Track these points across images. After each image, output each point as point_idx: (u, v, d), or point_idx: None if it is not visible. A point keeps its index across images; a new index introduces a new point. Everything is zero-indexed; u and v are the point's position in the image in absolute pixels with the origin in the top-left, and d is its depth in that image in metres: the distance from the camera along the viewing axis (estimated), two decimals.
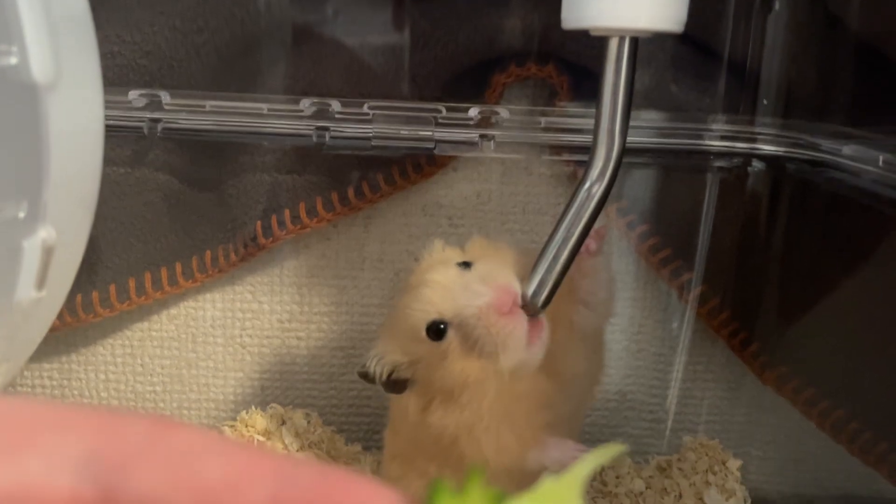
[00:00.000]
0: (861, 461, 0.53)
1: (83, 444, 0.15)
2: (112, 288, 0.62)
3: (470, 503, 0.16)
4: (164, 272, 0.62)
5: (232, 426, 0.64)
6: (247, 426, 0.64)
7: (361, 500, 0.15)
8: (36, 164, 0.35)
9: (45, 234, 0.36)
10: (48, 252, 0.36)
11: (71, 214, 0.38)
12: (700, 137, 0.59)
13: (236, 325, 0.66)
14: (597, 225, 0.45)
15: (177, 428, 0.16)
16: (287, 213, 0.60)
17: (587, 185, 0.43)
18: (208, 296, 0.65)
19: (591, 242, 0.46)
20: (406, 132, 0.57)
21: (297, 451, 0.62)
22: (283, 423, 0.64)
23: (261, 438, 0.62)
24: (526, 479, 0.47)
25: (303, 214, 0.60)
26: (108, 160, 0.58)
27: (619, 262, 0.63)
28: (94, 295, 0.61)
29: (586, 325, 0.50)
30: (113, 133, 0.56)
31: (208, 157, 0.61)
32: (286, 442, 0.62)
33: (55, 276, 0.38)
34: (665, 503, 0.59)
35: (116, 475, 0.15)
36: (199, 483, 0.15)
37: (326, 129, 0.57)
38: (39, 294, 0.36)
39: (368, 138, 0.57)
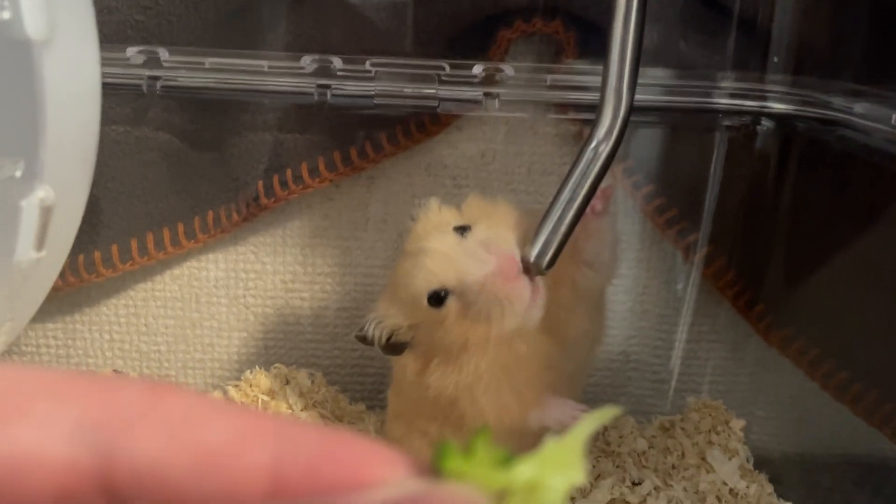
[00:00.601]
0: (865, 422, 0.53)
1: (78, 411, 0.15)
2: (114, 248, 0.61)
3: (477, 465, 0.15)
4: (165, 232, 0.61)
5: (236, 386, 0.65)
6: (251, 386, 0.64)
7: (364, 461, 0.15)
8: (32, 122, 0.35)
9: (43, 193, 0.36)
10: (47, 212, 0.35)
11: (69, 173, 0.38)
12: (709, 95, 0.58)
13: (239, 285, 0.66)
14: (603, 185, 0.44)
15: (174, 392, 0.16)
16: (289, 172, 0.60)
17: (593, 143, 0.42)
18: (211, 256, 0.65)
19: (596, 203, 0.45)
20: (409, 90, 0.56)
21: (302, 410, 0.62)
22: (287, 382, 0.64)
23: (265, 398, 0.63)
24: (527, 438, 0.48)
25: (305, 174, 0.60)
26: (107, 119, 0.57)
27: (625, 223, 0.63)
28: (96, 255, 0.61)
29: (589, 287, 0.49)
30: (111, 91, 0.56)
31: (209, 116, 0.60)
32: (290, 402, 0.63)
33: (55, 236, 0.38)
34: (668, 462, 0.60)
35: (113, 442, 0.15)
36: (199, 447, 0.15)
37: (328, 86, 0.56)
38: (39, 254, 0.36)
39: (371, 96, 0.56)
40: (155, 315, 0.66)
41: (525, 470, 0.15)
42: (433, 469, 0.15)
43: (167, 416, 0.15)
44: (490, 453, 0.16)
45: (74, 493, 0.15)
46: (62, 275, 0.60)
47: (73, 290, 0.63)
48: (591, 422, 0.16)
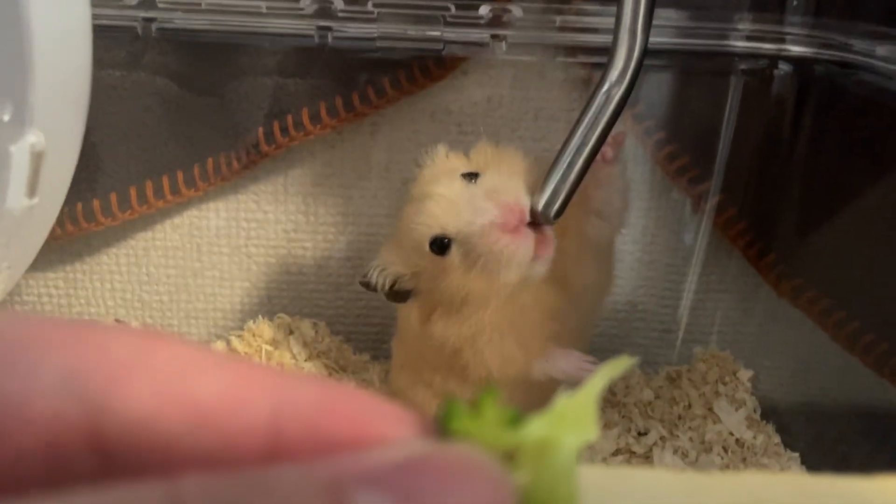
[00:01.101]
0: (875, 372, 0.52)
1: (65, 361, 0.14)
2: (113, 196, 0.60)
3: (484, 425, 0.15)
4: (165, 180, 0.60)
5: (239, 336, 0.64)
6: (254, 336, 0.63)
7: (367, 417, 0.14)
8: (19, 64, 0.33)
9: (33, 138, 0.34)
10: (38, 157, 0.34)
11: (61, 117, 0.37)
12: (724, 38, 0.55)
13: (241, 234, 0.65)
14: (614, 131, 0.43)
15: (167, 343, 0.15)
16: (290, 118, 0.58)
17: (606, 87, 0.40)
18: (212, 205, 0.64)
19: (607, 150, 0.44)
20: (413, 32, 0.54)
21: (305, 360, 0.62)
22: (291, 332, 0.64)
23: (268, 348, 0.62)
24: (532, 389, 0.47)
25: (306, 120, 0.58)
26: (102, 62, 0.56)
27: (634, 171, 0.61)
28: (95, 203, 0.60)
29: (598, 236, 0.48)
30: (105, 33, 0.54)
31: (207, 60, 0.58)
32: (294, 352, 0.62)
33: (48, 183, 0.36)
34: (674, 413, 0.59)
35: (101, 394, 0.14)
36: (192, 402, 0.14)
37: (329, 28, 0.54)
38: (32, 201, 0.35)
39: (373, 39, 0.54)
40: (156, 264, 0.66)
41: (536, 429, 0.15)
42: (439, 429, 0.15)
43: (159, 367, 0.14)
44: (499, 412, 0.15)
45: (62, 448, 0.14)
46: (61, 223, 0.59)
47: (73, 238, 0.63)
48: (604, 375, 0.15)
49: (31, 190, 0.35)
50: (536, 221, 0.42)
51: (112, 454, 0.14)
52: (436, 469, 0.13)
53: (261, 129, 0.58)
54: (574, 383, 0.56)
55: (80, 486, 0.14)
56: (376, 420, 0.14)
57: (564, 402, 0.15)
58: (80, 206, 0.60)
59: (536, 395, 0.51)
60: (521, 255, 0.42)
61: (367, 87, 0.58)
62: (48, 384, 0.14)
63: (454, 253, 0.43)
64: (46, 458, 0.14)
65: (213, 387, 0.14)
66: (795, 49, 0.55)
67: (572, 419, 0.15)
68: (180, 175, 0.60)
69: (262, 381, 0.15)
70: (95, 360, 0.14)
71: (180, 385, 0.14)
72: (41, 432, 0.14)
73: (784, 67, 0.57)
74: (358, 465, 0.13)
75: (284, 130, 0.58)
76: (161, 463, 0.14)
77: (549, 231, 0.42)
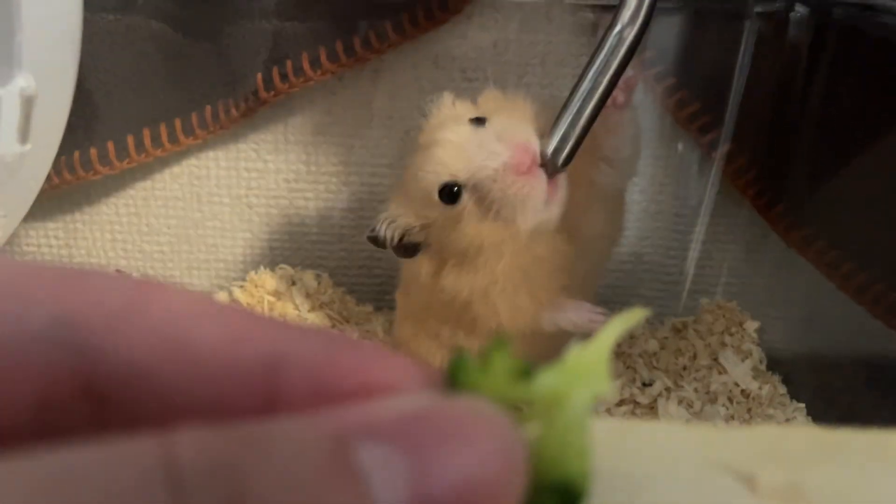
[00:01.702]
0: (884, 323, 0.52)
1: (57, 307, 0.13)
2: (110, 145, 0.59)
3: (494, 378, 0.14)
4: (163, 128, 0.59)
5: (241, 287, 0.64)
6: (256, 287, 0.63)
7: (370, 367, 0.14)
8: (5, 4, 0.32)
9: (23, 82, 0.33)
10: (28, 102, 0.33)
11: (51, 60, 0.35)
12: None
13: (242, 184, 0.63)
14: (626, 75, 0.41)
15: (164, 290, 0.14)
16: (289, 64, 0.56)
17: (618, 28, 0.39)
18: (211, 154, 0.62)
19: (619, 94, 0.43)
20: None
21: (308, 311, 0.61)
22: (293, 283, 0.63)
23: (271, 299, 0.62)
24: (542, 341, 0.47)
25: (306, 66, 0.56)
26: (95, 5, 0.54)
27: (643, 118, 0.59)
28: (93, 152, 0.59)
29: (608, 184, 0.47)
30: None
31: (203, 3, 0.56)
32: (296, 302, 0.62)
33: (40, 129, 0.35)
34: (679, 364, 0.59)
35: (96, 340, 0.13)
36: (189, 350, 0.14)
37: None
38: (24, 147, 0.34)
39: None
40: (156, 215, 0.65)
41: (547, 382, 0.14)
42: (448, 382, 0.14)
43: (155, 315, 0.14)
44: (509, 364, 0.14)
45: (54, 395, 0.13)
46: (58, 172, 0.58)
47: (72, 188, 0.61)
48: (616, 327, 0.15)
49: (23, 136, 0.33)
50: (545, 167, 0.41)
51: (105, 402, 0.13)
52: (443, 422, 0.12)
53: (259, 76, 0.57)
54: (585, 334, 0.55)
55: (72, 438, 0.13)
56: (381, 372, 0.14)
57: (576, 355, 0.14)
58: (77, 154, 0.59)
59: (546, 346, 0.51)
60: (536, 196, 0.41)
61: (368, 31, 0.56)
62: (40, 330, 0.13)
63: (465, 200, 0.42)
64: (38, 406, 0.13)
65: (211, 335, 0.14)
66: None
67: (584, 372, 0.14)
68: (178, 123, 0.59)
69: (262, 330, 0.14)
70: (89, 306, 0.14)
71: (176, 333, 0.14)
72: (33, 379, 0.13)
73: (800, 9, 0.55)
74: (361, 417, 0.12)
75: (284, 76, 0.57)
76: (156, 411, 0.13)
77: (559, 176, 0.41)
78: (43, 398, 0.13)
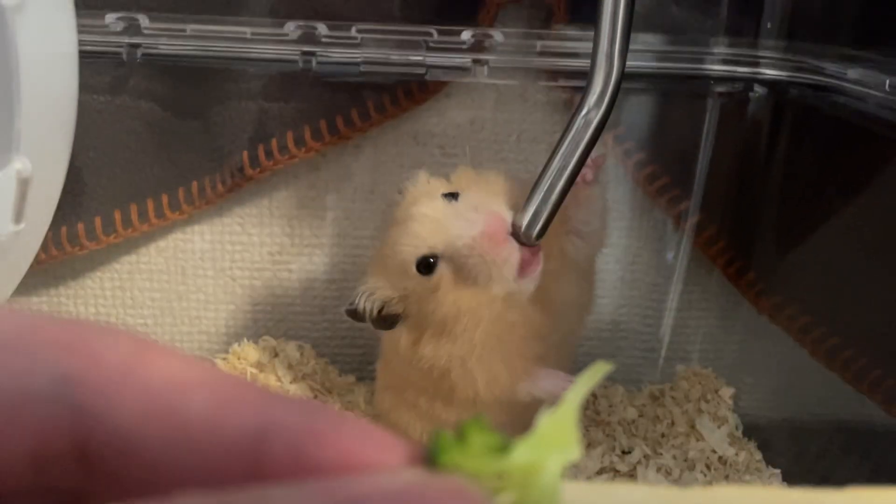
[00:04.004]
0: (854, 388, 0.53)
1: (59, 364, 0.14)
2: (97, 220, 0.60)
3: (472, 453, 0.15)
4: (149, 203, 0.60)
5: (224, 358, 0.64)
6: (239, 358, 0.63)
7: (351, 442, 0.14)
8: (6, 91, 0.34)
9: (19, 164, 0.34)
10: (24, 183, 0.34)
11: (47, 144, 0.37)
12: (701, 61, 0.57)
13: (226, 257, 0.65)
14: (594, 154, 0.43)
15: (160, 353, 0.15)
16: (274, 142, 0.59)
17: (584, 111, 0.41)
18: (196, 228, 0.64)
19: (587, 172, 0.45)
20: (396, 57, 0.55)
21: (291, 383, 0.62)
22: (276, 355, 0.64)
23: (253, 371, 0.62)
24: (516, 410, 0.47)
25: (290, 144, 0.58)
26: (87, 87, 0.56)
27: (616, 191, 0.62)
28: (80, 227, 0.60)
29: (578, 255, 0.49)
30: (90, 59, 0.54)
31: (191, 84, 0.58)
32: (279, 374, 0.62)
33: (34, 209, 0.37)
34: (657, 431, 0.60)
35: (92, 401, 0.14)
36: (178, 417, 0.14)
37: (313, 53, 0.55)
38: (17, 227, 0.35)
39: (357, 63, 0.55)
40: (141, 288, 0.66)
41: (521, 454, 0.15)
42: (428, 459, 0.15)
43: (150, 380, 0.14)
44: (485, 439, 0.15)
45: (49, 453, 0.14)
46: (45, 247, 0.59)
47: (57, 262, 0.62)
48: (581, 386, 0.16)
49: (18, 216, 0.35)
50: (520, 240, 0.43)
51: (96, 463, 0.14)
52: (426, 499, 0.13)
53: (245, 153, 0.59)
54: (558, 403, 0.56)
55: (63, 498, 0.14)
56: (362, 446, 0.14)
57: (546, 422, 0.15)
58: (64, 229, 0.60)
59: (522, 415, 0.51)
60: (510, 263, 0.42)
61: (350, 110, 0.58)
62: (42, 387, 0.14)
63: (442, 270, 0.43)
64: (33, 463, 0.14)
65: (201, 402, 0.14)
66: (769, 72, 0.56)
67: (555, 439, 0.15)
68: (165, 198, 0.60)
69: (249, 400, 0.14)
70: (89, 365, 0.14)
71: (169, 398, 0.14)
72: (30, 435, 0.14)
73: (759, 90, 0.58)
74: (352, 489, 0.13)
75: (269, 154, 0.59)
76: (144, 476, 0.14)
77: (536, 248, 0.43)
78: (40, 455, 0.14)
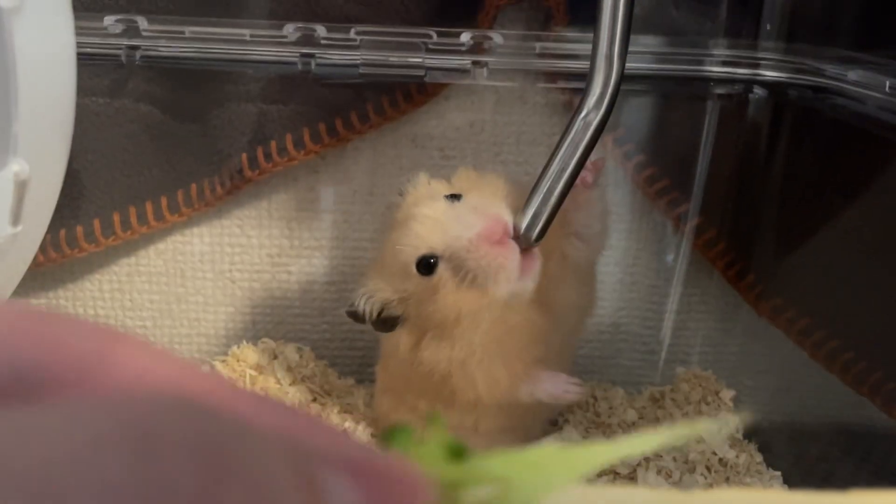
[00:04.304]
0: (854, 391, 0.53)
1: (25, 353, 0.14)
2: (97, 223, 0.60)
3: (425, 452, 0.15)
4: (149, 206, 0.60)
5: (223, 361, 0.64)
6: (238, 361, 0.63)
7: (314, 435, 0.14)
8: (3, 93, 0.34)
9: (17, 167, 0.34)
10: (21, 186, 0.34)
11: (45, 146, 0.37)
12: (700, 63, 0.57)
13: (225, 259, 0.65)
14: (593, 156, 0.43)
15: (128, 344, 0.15)
16: (273, 144, 0.59)
17: (583, 113, 0.41)
18: (196, 230, 0.64)
19: (587, 175, 0.45)
20: (395, 59, 0.55)
21: (290, 385, 0.62)
22: (275, 357, 0.64)
23: (252, 373, 0.62)
24: (517, 412, 0.47)
25: (289, 146, 0.58)
26: (86, 90, 0.56)
27: (615, 193, 0.62)
28: (79, 230, 0.60)
29: (579, 258, 0.49)
30: (89, 61, 0.54)
31: (190, 87, 0.58)
32: (278, 376, 0.62)
33: (32, 211, 0.37)
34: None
35: (58, 391, 0.14)
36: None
37: (312, 55, 0.55)
38: (15, 229, 0.35)
39: (356, 65, 0.55)
40: (140, 290, 0.66)
41: (492, 466, 0.15)
42: (384, 445, 0.15)
43: (118, 369, 0.14)
44: (441, 441, 0.15)
45: None
46: (43, 250, 0.59)
47: (56, 265, 0.62)
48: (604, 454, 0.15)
49: (15, 218, 0.35)
50: (520, 242, 0.43)
51: None
52: (392, 471, 0.13)
53: (244, 155, 0.59)
54: (559, 404, 0.56)
55: None
56: (326, 438, 0.14)
57: (543, 451, 0.15)
58: (63, 232, 0.60)
59: (521, 417, 0.51)
60: (509, 265, 0.42)
61: (350, 112, 0.58)
62: (4, 376, 0.14)
63: (442, 271, 0.43)
64: None
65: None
66: (769, 74, 0.56)
67: (545, 466, 0.15)
68: (164, 201, 0.60)
69: (215, 393, 0.14)
70: (56, 354, 0.14)
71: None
72: None
73: (759, 92, 0.58)
74: (316, 448, 0.13)
75: (268, 156, 0.59)
76: None
77: (535, 249, 0.43)
78: None
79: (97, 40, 0.54)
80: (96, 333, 0.15)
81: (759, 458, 0.59)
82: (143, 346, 0.15)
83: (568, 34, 0.56)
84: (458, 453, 0.15)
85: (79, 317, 0.15)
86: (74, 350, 0.14)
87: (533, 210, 0.42)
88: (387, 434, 0.15)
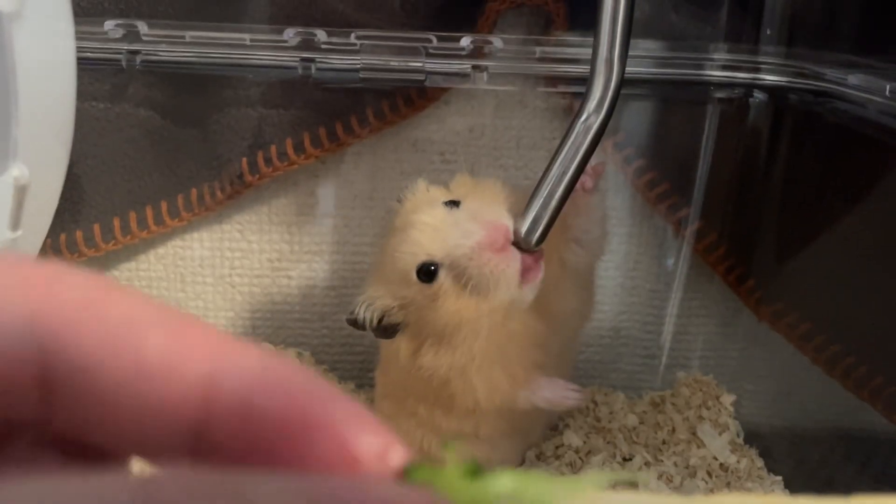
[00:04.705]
0: (855, 395, 0.53)
1: (26, 300, 0.15)
2: (96, 228, 0.60)
3: (444, 475, 0.15)
4: (149, 211, 0.60)
5: None
6: None
7: (297, 397, 0.14)
8: (3, 98, 0.34)
9: (17, 171, 0.34)
10: (21, 191, 0.34)
11: (44, 151, 0.37)
12: (700, 67, 0.57)
13: (225, 264, 0.65)
14: (593, 160, 0.43)
15: (120, 293, 0.15)
16: (273, 149, 0.59)
17: (584, 117, 0.41)
18: (196, 235, 0.64)
19: (586, 179, 0.45)
20: (395, 63, 0.55)
21: None
22: None
23: None
24: (517, 418, 0.47)
25: (290, 150, 0.58)
26: (86, 95, 0.56)
27: (615, 197, 0.62)
28: (78, 235, 0.60)
29: (578, 263, 0.49)
30: (89, 66, 0.54)
31: (190, 92, 0.58)
32: None
33: (31, 216, 0.37)
34: (658, 438, 0.60)
35: (54, 336, 0.14)
36: (134, 354, 0.15)
37: (312, 60, 0.55)
38: (15, 234, 0.35)
39: (356, 70, 0.55)
40: None
41: (503, 483, 0.15)
42: (400, 476, 0.15)
43: (110, 317, 0.15)
44: (459, 465, 0.15)
45: (11, 379, 0.14)
46: (43, 255, 0.59)
47: None
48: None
49: (15, 223, 0.35)
50: (520, 247, 0.43)
51: (55, 393, 0.15)
52: None
53: (245, 160, 0.59)
54: (558, 411, 0.55)
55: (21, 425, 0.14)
56: (307, 403, 0.14)
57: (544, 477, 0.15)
58: (63, 237, 0.60)
59: (521, 423, 0.51)
60: (510, 273, 0.42)
61: (350, 117, 0.58)
62: (6, 321, 0.14)
63: (442, 278, 0.43)
64: None
65: (156, 342, 0.15)
66: (770, 78, 0.56)
67: (545, 485, 0.15)
68: (164, 205, 0.60)
69: (204, 343, 0.15)
70: (52, 301, 0.15)
71: (125, 336, 0.15)
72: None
73: (759, 96, 0.58)
74: (332, 490, 0.13)
75: (268, 161, 0.59)
76: (100, 412, 0.15)
77: (538, 254, 0.43)
78: (2, 383, 0.14)
79: (97, 45, 0.54)
80: (93, 281, 0.15)
81: (760, 462, 0.59)
82: (136, 296, 0.15)
83: (568, 38, 0.56)
84: (475, 472, 0.15)
85: (76, 269, 0.15)
86: (75, 296, 0.15)
87: (533, 214, 0.42)
88: (406, 471, 0.15)
